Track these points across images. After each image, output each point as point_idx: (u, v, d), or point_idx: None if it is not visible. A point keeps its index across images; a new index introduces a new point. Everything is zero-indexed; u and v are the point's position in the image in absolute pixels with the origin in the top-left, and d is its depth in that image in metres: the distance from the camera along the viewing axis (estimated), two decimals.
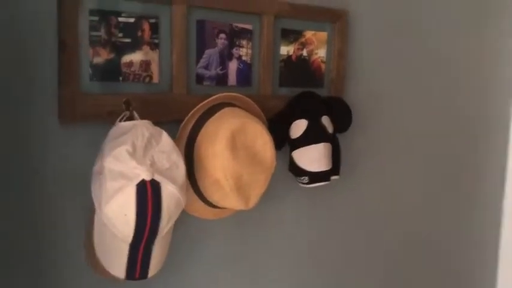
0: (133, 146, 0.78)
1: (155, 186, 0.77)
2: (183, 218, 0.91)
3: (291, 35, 1.13)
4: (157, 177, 0.77)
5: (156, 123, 0.87)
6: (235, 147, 0.91)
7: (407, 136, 1.39)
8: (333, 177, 1.12)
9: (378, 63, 1.30)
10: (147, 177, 0.76)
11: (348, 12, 1.20)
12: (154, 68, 0.96)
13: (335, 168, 1.12)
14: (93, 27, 0.88)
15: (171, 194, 0.79)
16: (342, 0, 1.20)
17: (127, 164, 0.76)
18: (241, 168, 0.91)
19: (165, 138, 0.83)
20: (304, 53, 1.15)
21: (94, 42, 0.89)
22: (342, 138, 1.19)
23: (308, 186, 1.08)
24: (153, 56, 0.95)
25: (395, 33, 1.32)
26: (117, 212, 0.76)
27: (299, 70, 1.15)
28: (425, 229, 1.47)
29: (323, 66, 1.18)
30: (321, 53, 1.18)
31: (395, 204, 1.39)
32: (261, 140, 0.94)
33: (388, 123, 1.34)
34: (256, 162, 0.94)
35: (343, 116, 1.14)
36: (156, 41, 0.95)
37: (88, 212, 0.85)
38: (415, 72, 1.38)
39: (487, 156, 1.57)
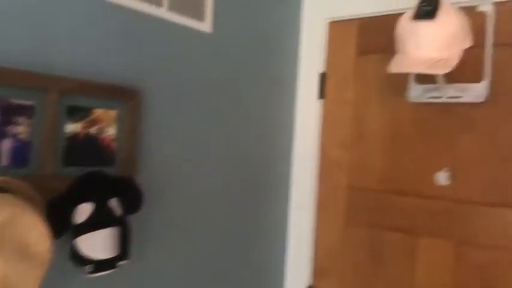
0: None
1: None
2: None
3: (78, 113, 1.07)
4: None
5: None
6: (0, 243, 0.79)
7: (201, 209, 1.43)
8: (121, 263, 1.06)
9: (171, 140, 1.32)
10: None
11: (140, 90, 1.21)
12: None
13: (123, 253, 1.07)
14: None
15: None
16: (135, 79, 1.21)
17: None
18: (7, 266, 0.80)
19: None
20: (94, 130, 1.11)
21: None
22: (133, 218, 1.15)
23: (93, 275, 1.01)
24: None
25: (189, 109, 1.37)
26: None
27: (87, 149, 1.09)
28: None
29: (114, 144, 1.15)
30: (112, 131, 1.14)
31: (188, 278, 1.39)
32: (36, 231, 0.85)
33: (181, 199, 1.36)
34: (28, 258, 0.84)
35: (133, 197, 1.11)
36: None
37: None
38: (207, 146, 1.44)
39: (269, 214, 1.71)
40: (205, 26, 1.39)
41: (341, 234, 1.69)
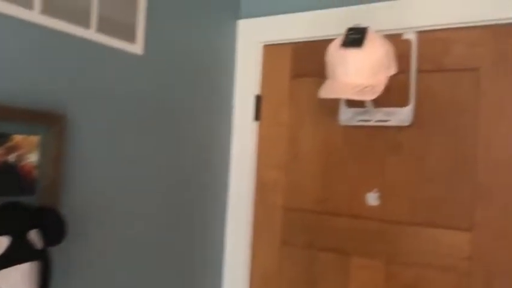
0: None
1: None
2: None
3: None
4: None
5: None
6: None
7: (132, 238, 1.38)
8: None
9: (100, 167, 1.27)
10: None
11: (66, 114, 1.16)
12: None
13: None
14: None
15: None
16: (60, 103, 1.16)
17: None
18: None
19: None
20: (12, 158, 1.04)
21: None
22: (55, 251, 1.10)
23: None
24: None
25: (120, 134, 1.33)
26: None
27: (4, 177, 1.03)
28: None
29: (35, 172, 1.09)
30: (34, 158, 1.08)
31: None
32: None
33: (110, 228, 1.31)
34: None
35: (55, 228, 1.05)
36: None
37: None
38: (139, 172, 1.40)
39: (205, 237, 1.69)
40: (137, 47, 1.36)
41: (277, 256, 1.70)
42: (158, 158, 1.47)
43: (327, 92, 1.35)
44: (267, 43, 1.75)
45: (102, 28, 1.25)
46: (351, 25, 1.36)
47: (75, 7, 1.18)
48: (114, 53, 1.30)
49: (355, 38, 1.29)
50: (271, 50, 1.75)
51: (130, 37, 1.34)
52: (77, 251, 1.21)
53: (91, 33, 1.23)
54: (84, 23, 1.21)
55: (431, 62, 1.46)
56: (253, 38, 1.76)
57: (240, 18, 1.78)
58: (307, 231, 1.64)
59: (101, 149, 1.27)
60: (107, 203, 1.29)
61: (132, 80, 1.36)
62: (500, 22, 1.36)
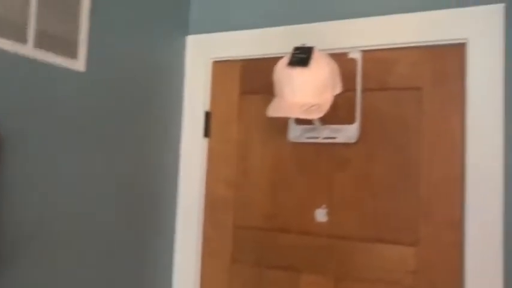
0: None
1: None
2: None
3: None
4: None
5: None
6: None
7: (72, 267, 1.32)
8: None
9: (38, 190, 1.21)
10: None
11: None
12: None
13: None
14: None
15: None
16: None
17: None
18: None
19: None
20: None
21: None
22: None
23: None
24: None
25: (61, 154, 1.28)
26: None
27: None
28: None
29: None
30: None
31: None
32: None
33: (49, 254, 1.24)
34: None
35: None
36: None
37: None
38: (83, 193, 1.35)
39: (153, 256, 1.64)
40: (78, 64, 1.32)
41: (227, 274, 1.67)
42: (103, 178, 1.41)
43: (274, 110, 1.35)
44: (216, 59, 1.74)
45: (40, 43, 1.20)
46: (298, 44, 1.37)
47: (10, 21, 1.13)
48: (54, 70, 1.25)
49: (301, 57, 1.30)
50: (221, 67, 1.74)
51: (71, 53, 1.29)
52: (9, 283, 1.14)
53: (28, 49, 1.18)
54: (21, 37, 1.15)
55: (375, 81, 1.50)
56: (202, 54, 1.75)
57: (189, 34, 1.77)
58: (257, 248, 1.63)
59: (41, 169, 1.21)
60: (46, 227, 1.23)
61: (74, 97, 1.31)
62: (437, 43, 1.42)
